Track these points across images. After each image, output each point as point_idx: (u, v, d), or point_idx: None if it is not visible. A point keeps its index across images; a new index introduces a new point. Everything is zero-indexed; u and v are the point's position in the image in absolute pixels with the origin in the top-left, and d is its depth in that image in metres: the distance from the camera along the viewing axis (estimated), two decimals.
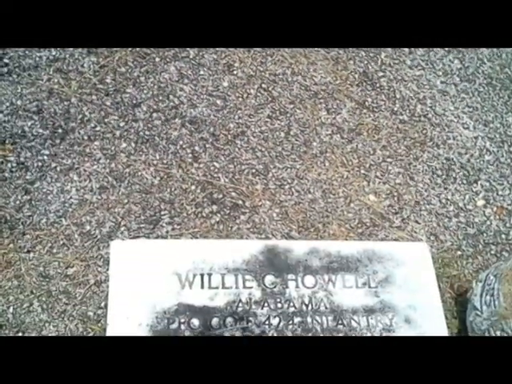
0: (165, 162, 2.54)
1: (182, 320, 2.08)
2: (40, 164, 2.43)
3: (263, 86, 2.88)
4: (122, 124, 2.59)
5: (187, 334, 2.06)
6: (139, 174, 2.49)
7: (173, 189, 2.49)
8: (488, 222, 2.72)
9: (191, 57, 2.86)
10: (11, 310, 2.15)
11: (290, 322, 2.15)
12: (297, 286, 2.23)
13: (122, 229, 2.36)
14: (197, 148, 2.61)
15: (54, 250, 2.27)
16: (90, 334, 2.15)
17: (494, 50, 3.28)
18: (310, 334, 2.15)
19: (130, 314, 2.07)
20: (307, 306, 2.20)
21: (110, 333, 2.04)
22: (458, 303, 2.43)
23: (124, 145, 2.54)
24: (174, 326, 2.07)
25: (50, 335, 2.12)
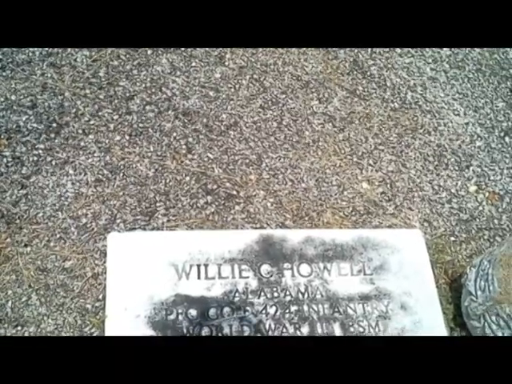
0: (159, 153, 2.55)
1: (180, 311, 2.10)
2: (35, 158, 2.43)
3: (255, 76, 2.89)
4: (115, 117, 2.60)
5: (185, 324, 2.08)
6: (134, 166, 2.49)
7: (167, 180, 2.49)
8: (480, 208, 2.74)
9: (183, 49, 2.87)
10: (10, 304, 2.15)
11: (287, 311, 2.17)
12: (293, 275, 2.25)
13: (118, 221, 2.37)
14: (190, 139, 2.62)
15: (51, 244, 2.28)
16: (89, 327, 2.15)
17: None
18: (306, 323, 2.17)
19: (128, 305, 2.09)
20: (303, 294, 2.22)
21: (108, 325, 2.05)
22: (453, 289, 2.45)
23: (118, 137, 2.55)
24: (172, 316, 2.09)
25: (48, 335, 2.13)
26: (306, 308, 2.20)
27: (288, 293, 2.21)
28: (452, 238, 2.63)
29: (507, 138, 3.00)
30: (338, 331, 2.18)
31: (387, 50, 3.15)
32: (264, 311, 2.16)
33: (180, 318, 2.09)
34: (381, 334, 2.20)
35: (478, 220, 2.71)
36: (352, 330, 2.19)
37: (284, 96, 2.86)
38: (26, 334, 2.11)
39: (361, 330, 2.20)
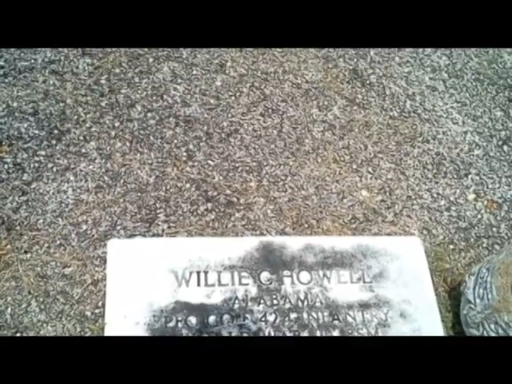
0: (160, 160, 2.55)
1: (180, 318, 2.10)
2: (36, 165, 2.44)
3: (255, 84, 2.90)
4: (117, 124, 2.61)
5: (184, 332, 2.08)
6: (135, 173, 2.50)
7: (168, 187, 2.50)
8: (479, 216, 2.75)
9: (184, 57, 2.88)
10: (9, 310, 2.15)
11: (287, 319, 2.18)
12: (292, 282, 2.25)
13: (119, 228, 2.37)
14: (191, 146, 2.62)
15: (51, 250, 2.28)
16: (88, 334, 2.15)
17: None
18: (306, 330, 2.17)
19: (127, 312, 2.09)
20: (303, 302, 2.22)
21: (107, 332, 2.06)
22: (452, 297, 2.46)
23: (119, 144, 2.56)
24: (172, 324, 2.09)
25: (47, 335, 2.13)
26: (305, 315, 2.20)
27: (287, 300, 2.22)
28: (451, 246, 2.63)
29: (505, 147, 3.01)
30: None
31: (386, 58, 3.17)
32: (263, 319, 2.16)
33: (179, 325, 2.09)
34: None
35: (476, 228, 2.71)
36: None
37: (284, 104, 2.87)
38: None
39: None
